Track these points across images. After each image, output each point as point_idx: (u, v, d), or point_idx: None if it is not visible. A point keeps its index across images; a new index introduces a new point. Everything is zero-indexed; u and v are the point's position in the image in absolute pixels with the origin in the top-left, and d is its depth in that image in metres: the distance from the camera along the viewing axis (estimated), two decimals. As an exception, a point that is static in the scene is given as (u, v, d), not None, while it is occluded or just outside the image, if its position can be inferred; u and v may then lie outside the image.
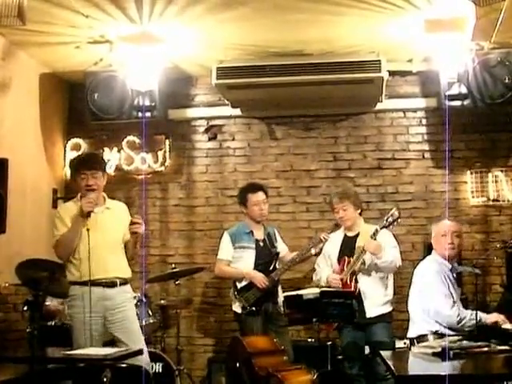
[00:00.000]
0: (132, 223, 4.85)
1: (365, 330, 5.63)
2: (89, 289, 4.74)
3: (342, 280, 5.66)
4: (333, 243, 5.91)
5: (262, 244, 6.07)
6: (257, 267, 5.97)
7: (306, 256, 6.12)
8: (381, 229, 5.50)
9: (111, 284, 4.84)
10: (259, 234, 6.11)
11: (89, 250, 4.73)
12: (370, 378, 5.62)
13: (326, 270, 5.86)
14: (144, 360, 4.67)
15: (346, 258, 5.70)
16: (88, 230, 4.75)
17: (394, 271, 5.72)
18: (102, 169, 5.06)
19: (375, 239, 5.51)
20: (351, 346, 5.70)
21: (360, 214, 5.89)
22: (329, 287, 5.67)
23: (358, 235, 5.73)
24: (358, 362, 5.68)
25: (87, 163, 4.97)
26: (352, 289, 5.59)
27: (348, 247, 5.76)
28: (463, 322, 4.89)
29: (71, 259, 4.84)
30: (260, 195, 6.06)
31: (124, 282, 4.94)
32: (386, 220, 5.49)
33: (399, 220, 5.52)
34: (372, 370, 5.53)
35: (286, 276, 6.27)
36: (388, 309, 5.67)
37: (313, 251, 6.03)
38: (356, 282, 5.62)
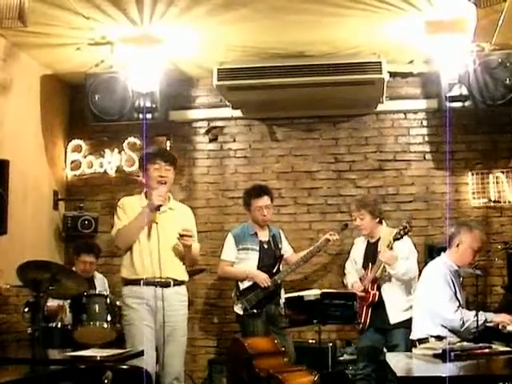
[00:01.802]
0: (180, 235, 4.76)
1: (385, 334, 5.66)
2: (141, 288, 4.73)
3: (364, 288, 5.71)
4: (358, 249, 5.99)
5: (266, 246, 6.07)
6: (260, 269, 5.96)
7: (311, 258, 6.13)
8: (394, 241, 5.54)
9: (165, 284, 4.78)
10: (264, 235, 6.11)
11: (158, 245, 4.73)
12: (380, 381, 5.62)
13: (353, 275, 5.93)
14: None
15: (370, 265, 5.74)
16: (157, 223, 4.75)
17: (409, 281, 5.65)
18: (175, 166, 5.02)
19: (391, 249, 5.53)
20: (368, 349, 5.73)
21: (380, 221, 5.90)
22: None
23: (379, 240, 5.77)
24: (371, 364, 5.69)
25: (163, 155, 4.94)
26: (371, 296, 5.64)
27: (371, 253, 5.82)
28: (467, 324, 4.84)
29: (128, 255, 4.81)
30: (264, 200, 6.03)
31: (179, 283, 4.87)
32: (398, 233, 5.54)
33: (409, 232, 5.57)
34: (385, 372, 5.51)
35: (287, 277, 6.26)
36: (410, 314, 5.62)
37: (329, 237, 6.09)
38: (378, 289, 5.66)
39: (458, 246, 5.03)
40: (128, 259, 4.84)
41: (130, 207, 4.87)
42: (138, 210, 4.81)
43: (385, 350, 5.68)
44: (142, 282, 4.75)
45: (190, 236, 4.79)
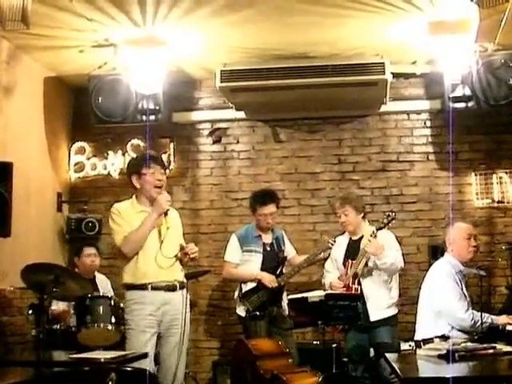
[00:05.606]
0: (188, 251, 4.80)
1: (369, 333, 5.62)
2: (149, 293, 4.69)
3: (344, 284, 5.65)
4: (339, 247, 5.90)
5: (269, 248, 6.06)
6: (264, 271, 5.95)
7: (314, 261, 6.11)
8: (377, 230, 5.50)
9: (172, 288, 4.76)
10: (267, 237, 6.10)
11: (160, 248, 4.70)
12: (375, 381, 5.61)
13: (334, 274, 5.85)
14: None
15: (350, 261, 5.68)
16: (168, 228, 4.76)
17: (396, 273, 5.67)
18: (165, 170, 5.08)
19: (375, 237, 5.49)
20: (355, 349, 5.69)
21: (363, 217, 5.86)
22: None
23: (361, 238, 5.72)
24: (362, 364, 5.67)
25: (157, 159, 4.97)
26: (353, 291, 5.58)
27: (352, 250, 5.74)
28: (477, 324, 4.88)
29: (133, 260, 4.75)
30: (269, 208, 5.99)
31: (183, 285, 4.84)
32: (382, 221, 5.52)
33: (393, 221, 5.53)
34: (377, 372, 5.52)
35: (290, 279, 6.25)
36: (392, 312, 5.64)
37: (322, 255, 6.02)
38: (358, 284, 5.60)
39: (451, 243, 5.26)
40: (132, 264, 4.76)
41: (126, 213, 4.84)
42: (133, 215, 4.80)
43: (371, 350, 5.69)
44: (149, 286, 4.70)
45: (194, 252, 4.82)
